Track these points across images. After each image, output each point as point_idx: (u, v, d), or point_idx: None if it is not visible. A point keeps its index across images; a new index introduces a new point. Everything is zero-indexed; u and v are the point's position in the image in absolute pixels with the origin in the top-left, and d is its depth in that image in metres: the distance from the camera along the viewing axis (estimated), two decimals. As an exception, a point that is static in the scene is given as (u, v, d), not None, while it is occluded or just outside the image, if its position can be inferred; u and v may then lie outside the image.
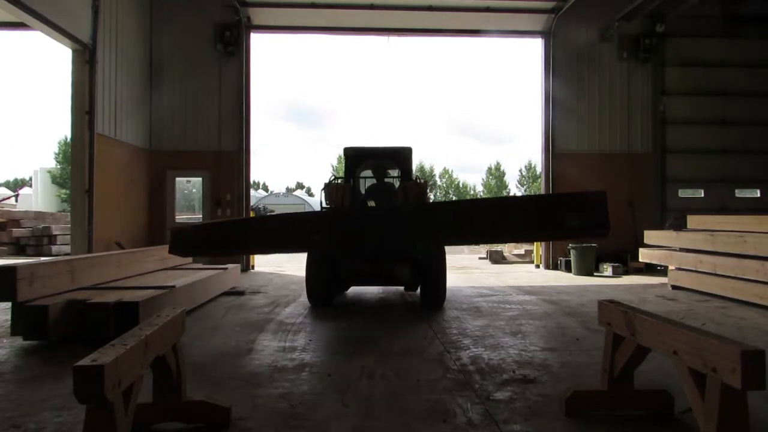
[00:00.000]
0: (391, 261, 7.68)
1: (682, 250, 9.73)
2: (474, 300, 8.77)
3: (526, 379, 4.47)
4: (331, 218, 5.37)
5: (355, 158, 8.95)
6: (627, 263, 13.42)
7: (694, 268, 9.38)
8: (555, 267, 14.33)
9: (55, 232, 18.81)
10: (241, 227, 4.50)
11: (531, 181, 60.05)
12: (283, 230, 4.40)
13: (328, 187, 8.14)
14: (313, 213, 7.57)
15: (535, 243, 14.99)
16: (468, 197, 55.49)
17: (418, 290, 8.38)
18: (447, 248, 8.76)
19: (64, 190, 37.98)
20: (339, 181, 8.72)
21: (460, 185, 65.93)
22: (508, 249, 17.27)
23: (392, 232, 4.91)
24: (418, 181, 8.58)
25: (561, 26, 14.35)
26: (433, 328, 6.55)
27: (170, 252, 4.81)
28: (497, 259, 16.77)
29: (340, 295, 8.98)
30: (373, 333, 6.35)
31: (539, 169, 15.84)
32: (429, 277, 7.75)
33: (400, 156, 8.92)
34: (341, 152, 9.34)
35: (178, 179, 14.10)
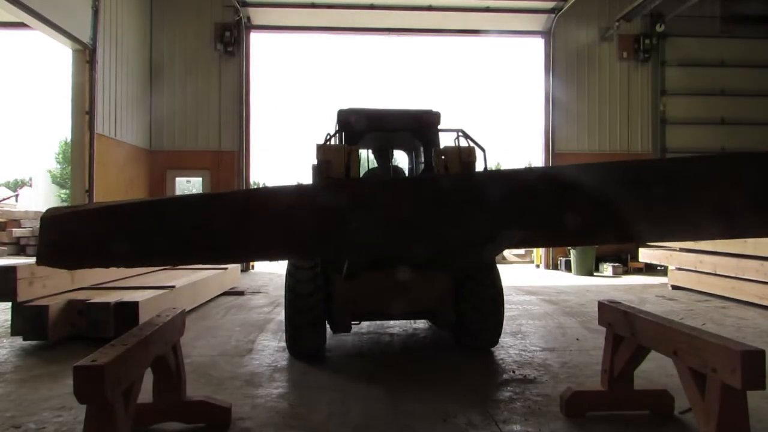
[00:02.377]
0: (421, 276, 4.97)
1: (682, 250, 9.73)
2: (474, 300, 8.75)
3: (526, 379, 4.47)
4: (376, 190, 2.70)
5: (355, 125, 5.74)
6: (627, 263, 13.43)
7: (694, 268, 9.38)
8: (555, 267, 14.33)
9: (55, 232, 18.78)
10: (189, 211, 2.44)
11: (531, 181, 60.05)
12: (274, 216, 2.37)
13: (325, 150, 5.07)
14: (339, 183, 4.50)
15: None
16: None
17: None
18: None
19: (64, 190, 37.98)
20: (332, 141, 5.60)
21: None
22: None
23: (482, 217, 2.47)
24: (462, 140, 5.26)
25: (561, 26, 14.36)
26: (433, 328, 6.55)
27: (40, 262, 2.64)
28: (497, 259, 16.78)
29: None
30: (375, 334, 6.35)
31: (539, 169, 15.82)
32: (480, 302, 5.15)
33: (423, 124, 5.78)
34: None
35: (178, 179, 14.11)
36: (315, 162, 5.19)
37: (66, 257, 2.59)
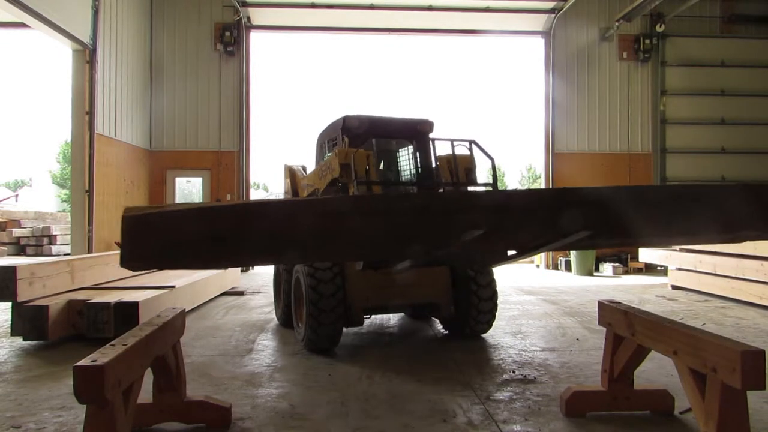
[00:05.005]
0: (424, 272, 5.52)
1: (682, 250, 9.72)
2: (474, 300, 8.75)
3: (526, 379, 4.47)
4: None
5: (360, 132, 5.96)
6: (627, 263, 13.43)
7: (694, 268, 9.38)
8: (555, 267, 14.33)
9: (55, 232, 18.80)
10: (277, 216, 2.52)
11: (531, 181, 60.16)
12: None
13: (351, 156, 5.31)
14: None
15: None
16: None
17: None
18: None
19: (64, 190, 38.02)
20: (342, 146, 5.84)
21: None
22: (508, 249, 17.28)
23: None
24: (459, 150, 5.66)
25: (561, 26, 14.37)
26: (433, 328, 6.55)
27: (126, 264, 2.54)
28: (497, 259, 16.77)
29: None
30: (375, 334, 6.35)
31: (538, 169, 15.87)
32: (479, 300, 5.73)
33: (420, 132, 6.15)
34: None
35: (178, 179, 14.11)
36: (336, 164, 5.38)
37: (165, 255, 2.52)
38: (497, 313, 5.98)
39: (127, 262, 2.49)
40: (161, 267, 2.70)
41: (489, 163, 5.50)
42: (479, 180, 5.74)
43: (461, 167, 5.58)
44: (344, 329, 5.61)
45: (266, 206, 2.84)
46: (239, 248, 2.62)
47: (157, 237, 2.43)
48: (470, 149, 5.65)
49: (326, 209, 2.67)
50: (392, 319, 7.16)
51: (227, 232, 2.49)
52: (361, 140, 5.98)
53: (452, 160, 5.57)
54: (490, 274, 5.85)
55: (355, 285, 5.45)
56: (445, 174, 5.63)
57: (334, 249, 3.04)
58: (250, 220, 2.56)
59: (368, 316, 5.90)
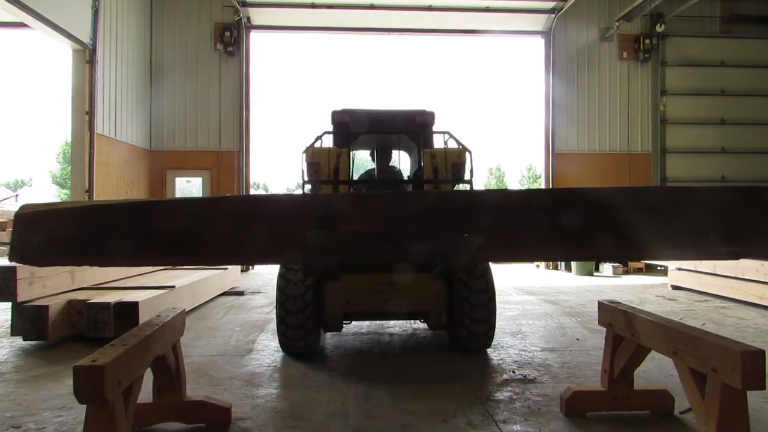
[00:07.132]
0: (411, 278, 4.98)
1: (682, 250, 9.72)
2: (474, 300, 8.74)
3: (526, 379, 4.47)
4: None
5: (349, 126, 5.61)
6: (627, 263, 13.44)
7: (694, 268, 9.38)
8: (555, 267, 14.34)
9: (55, 232, 18.81)
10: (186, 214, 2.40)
11: (531, 181, 60.22)
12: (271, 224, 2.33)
13: (314, 153, 5.10)
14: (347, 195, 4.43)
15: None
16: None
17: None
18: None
19: (64, 190, 38.04)
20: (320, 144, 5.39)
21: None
22: (508, 249, 17.27)
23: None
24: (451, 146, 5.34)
25: (561, 26, 14.38)
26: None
27: (15, 257, 2.58)
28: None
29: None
30: (375, 333, 6.35)
31: (538, 169, 15.88)
32: (472, 308, 5.01)
33: (417, 125, 5.65)
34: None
35: (178, 179, 14.12)
36: (304, 165, 5.17)
37: (45, 254, 2.53)
38: (499, 312, 5.61)
39: (14, 256, 2.56)
40: (44, 263, 2.90)
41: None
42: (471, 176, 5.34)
43: (448, 162, 5.15)
44: (340, 332, 5.49)
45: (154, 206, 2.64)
46: (121, 247, 2.48)
47: (39, 234, 2.48)
48: (445, 142, 5.32)
49: (211, 210, 2.47)
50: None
51: (108, 231, 2.40)
52: (354, 136, 5.76)
53: (436, 154, 5.21)
54: (487, 281, 5.11)
55: (333, 289, 5.04)
56: (428, 170, 5.21)
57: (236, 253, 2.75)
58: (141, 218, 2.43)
59: (348, 321, 5.52)
